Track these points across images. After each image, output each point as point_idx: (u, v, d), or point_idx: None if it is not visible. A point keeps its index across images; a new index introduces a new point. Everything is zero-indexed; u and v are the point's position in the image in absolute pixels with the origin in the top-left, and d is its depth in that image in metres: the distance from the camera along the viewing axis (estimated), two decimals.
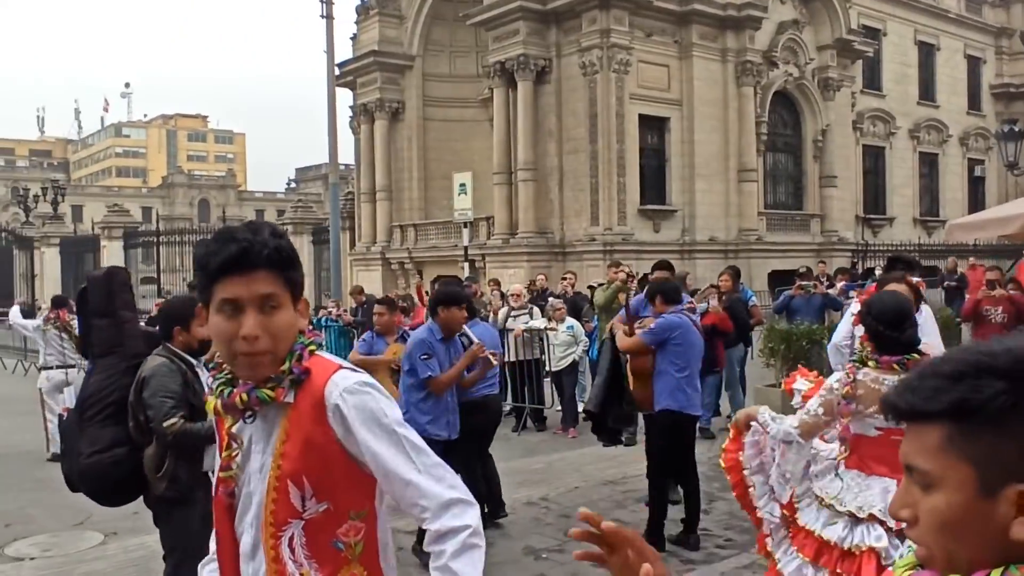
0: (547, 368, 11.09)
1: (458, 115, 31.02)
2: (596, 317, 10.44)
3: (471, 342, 6.16)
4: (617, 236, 24.23)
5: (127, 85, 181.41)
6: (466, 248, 19.84)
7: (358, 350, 7.69)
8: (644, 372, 6.17)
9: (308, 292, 31.04)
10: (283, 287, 1.86)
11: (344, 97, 33.36)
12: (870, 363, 3.38)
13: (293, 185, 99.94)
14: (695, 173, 26.26)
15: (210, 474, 2.62)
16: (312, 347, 1.92)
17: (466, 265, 19.53)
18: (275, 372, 1.86)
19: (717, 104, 26.75)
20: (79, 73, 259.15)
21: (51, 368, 10.44)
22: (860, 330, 5.42)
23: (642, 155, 25.75)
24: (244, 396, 1.86)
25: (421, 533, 5.28)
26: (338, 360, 1.97)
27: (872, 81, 34.41)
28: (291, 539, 1.89)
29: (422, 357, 5.89)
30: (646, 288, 7.49)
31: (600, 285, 10.60)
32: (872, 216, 34.06)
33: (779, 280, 22.54)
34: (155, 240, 36.08)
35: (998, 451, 1.02)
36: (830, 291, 12.39)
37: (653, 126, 26.18)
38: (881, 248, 29.19)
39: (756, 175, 27.46)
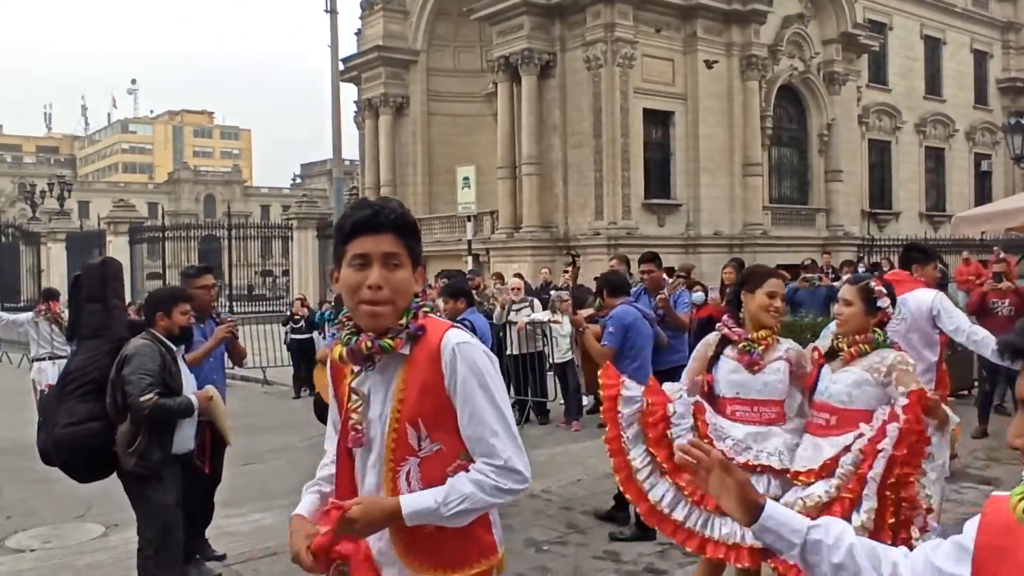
0: (550, 361, 11.08)
1: (462, 110, 30.99)
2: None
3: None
4: (621, 230, 24.18)
5: (134, 81, 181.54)
6: (470, 242, 19.80)
7: (327, 345, 7.62)
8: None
9: (313, 287, 31.19)
10: (404, 251, 2.14)
11: (349, 92, 33.41)
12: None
13: (298, 181, 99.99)
14: (700, 167, 26.19)
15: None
16: (426, 309, 2.21)
17: (470, 259, 19.50)
18: (393, 324, 2.14)
19: (722, 98, 26.66)
20: (86, 70, 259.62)
21: (43, 360, 10.45)
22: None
23: (646, 149, 25.68)
24: (368, 343, 2.13)
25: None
26: (448, 321, 2.27)
27: (878, 75, 34.27)
28: (408, 474, 2.17)
29: None
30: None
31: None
32: (878, 211, 33.94)
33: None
34: (161, 236, 36.09)
35: None
36: (835, 284, 12.31)
37: (658, 120, 26.11)
38: (887, 243, 29.09)
39: (761, 169, 27.37)
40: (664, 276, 8.50)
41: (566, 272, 11.29)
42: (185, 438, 4.93)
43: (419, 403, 2.13)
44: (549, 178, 25.74)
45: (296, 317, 15.61)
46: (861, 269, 12.79)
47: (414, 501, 2.10)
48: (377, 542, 2.20)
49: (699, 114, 26.14)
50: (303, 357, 14.62)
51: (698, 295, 10.02)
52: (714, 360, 4.07)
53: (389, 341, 2.12)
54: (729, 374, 3.99)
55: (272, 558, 5.91)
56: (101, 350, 4.73)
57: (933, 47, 36.63)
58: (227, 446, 5.70)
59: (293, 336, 15.45)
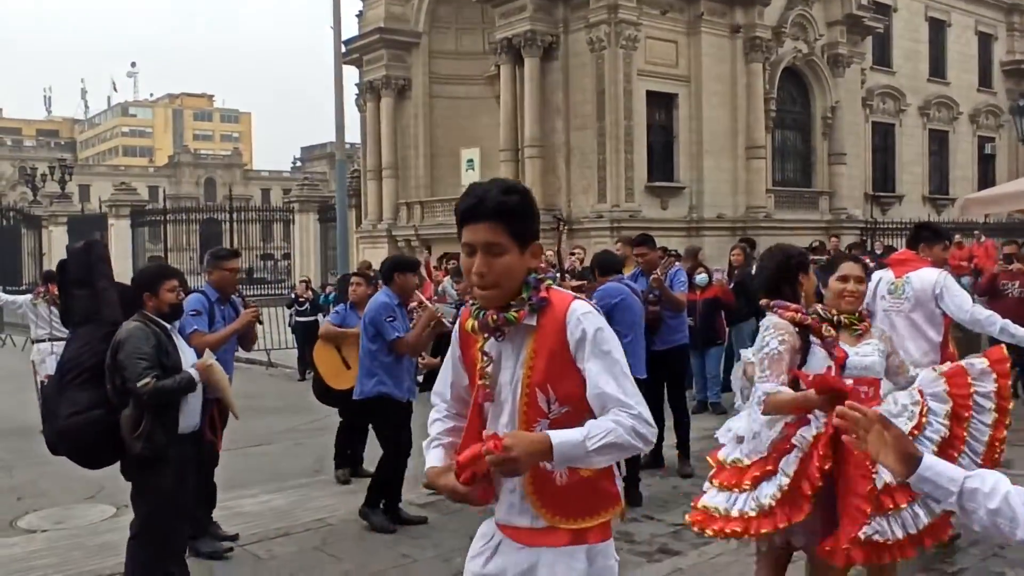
0: None
1: (465, 92, 30.79)
2: None
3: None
4: (624, 213, 24.11)
5: (133, 64, 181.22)
6: None
7: (330, 321, 7.73)
8: None
9: (315, 270, 31.11)
10: (508, 236, 2.28)
11: (350, 75, 33.24)
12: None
13: (299, 164, 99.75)
14: (703, 150, 26.07)
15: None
16: (548, 282, 2.38)
17: None
18: (504, 303, 2.33)
19: (725, 80, 26.51)
20: (85, 53, 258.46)
21: (43, 341, 10.45)
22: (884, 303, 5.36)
23: (649, 132, 25.54)
24: (495, 316, 2.33)
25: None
26: (572, 292, 2.45)
27: (882, 58, 34.07)
28: None
29: (388, 319, 6.13)
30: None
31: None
32: (881, 194, 33.83)
33: None
34: (162, 219, 36.04)
35: None
36: None
37: (661, 103, 25.97)
38: (890, 226, 29.02)
39: (764, 152, 27.23)
40: (659, 257, 8.48)
41: (572, 254, 11.20)
42: (192, 414, 4.88)
43: (547, 369, 2.31)
44: (552, 161, 25.65)
45: (301, 300, 15.62)
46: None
47: (560, 435, 2.22)
48: (510, 495, 2.39)
49: (702, 96, 25.99)
50: (307, 339, 14.60)
51: (702, 277, 9.98)
52: (804, 353, 3.71)
53: (513, 313, 2.32)
54: (825, 361, 3.72)
55: (285, 538, 5.93)
56: (95, 336, 4.64)
57: (938, 29, 36.39)
58: (234, 419, 5.60)
59: (298, 319, 15.45)
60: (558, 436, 2.20)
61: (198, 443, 5.11)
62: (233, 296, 6.12)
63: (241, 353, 6.75)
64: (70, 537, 6.24)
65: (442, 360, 6.42)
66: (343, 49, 25.07)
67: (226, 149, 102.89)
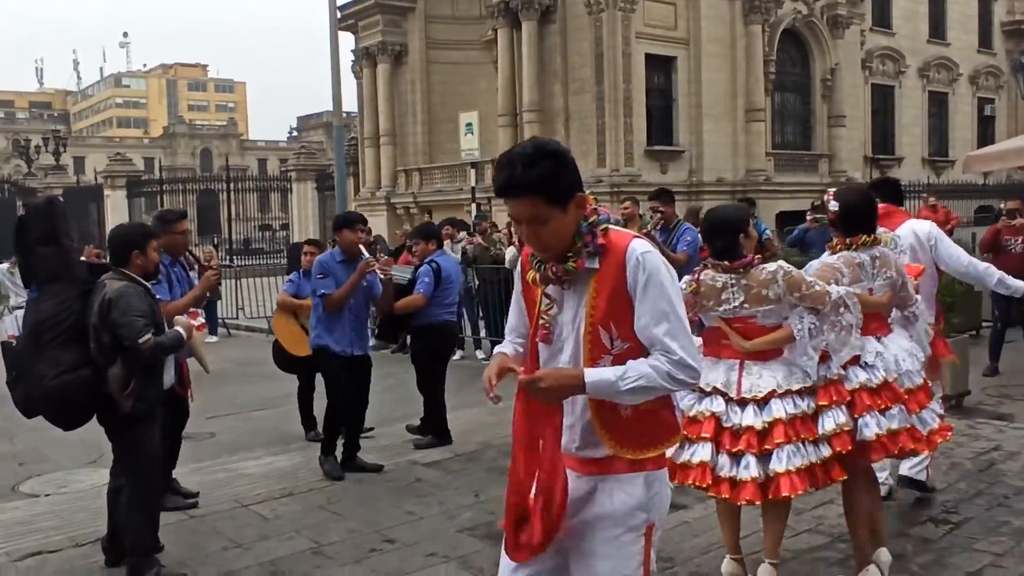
0: None
1: (462, 57, 30.50)
2: None
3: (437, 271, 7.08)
4: (624, 177, 23.99)
5: (125, 35, 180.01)
6: (473, 189, 19.64)
7: (285, 290, 7.98)
8: None
9: (315, 238, 30.97)
10: (546, 205, 2.35)
11: (346, 42, 32.92)
12: (709, 266, 4.03)
13: (295, 134, 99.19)
14: (702, 113, 25.91)
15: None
16: (604, 227, 2.45)
17: (473, 207, 19.35)
18: (564, 254, 2.43)
19: (724, 43, 26.28)
20: (76, 23, 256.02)
21: (22, 308, 10.40)
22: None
23: (648, 95, 25.37)
24: (554, 269, 2.44)
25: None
26: (632, 232, 2.55)
27: (882, 19, 33.74)
28: None
29: (318, 276, 6.48)
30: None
31: (616, 223, 10.46)
32: (880, 156, 33.66)
33: (788, 220, 22.32)
34: (158, 189, 35.85)
35: None
36: None
37: (660, 65, 25.76)
38: None
39: (764, 115, 27.07)
40: (672, 213, 8.46)
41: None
42: (168, 373, 4.95)
43: (609, 307, 2.42)
44: (550, 125, 25.46)
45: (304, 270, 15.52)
46: None
47: (595, 372, 2.38)
48: (570, 429, 2.49)
49: (701, 59, 25.78)
50: None
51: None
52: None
53: (571, 264, 2.42)
54: None
55: (289, 498, 5.92)
56: (69, 294, 4.50)
57: None
58: (236, 384, 5.69)
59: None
60: (592, 375, 2.36)
61: (170, 401, 5.19)
62: (180, 257, 6.03)
63: (241, 320, 6.87)
64: (72, 500, 6.22)
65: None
66: (338, 15, 24.77)
67: (221, 119, 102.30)
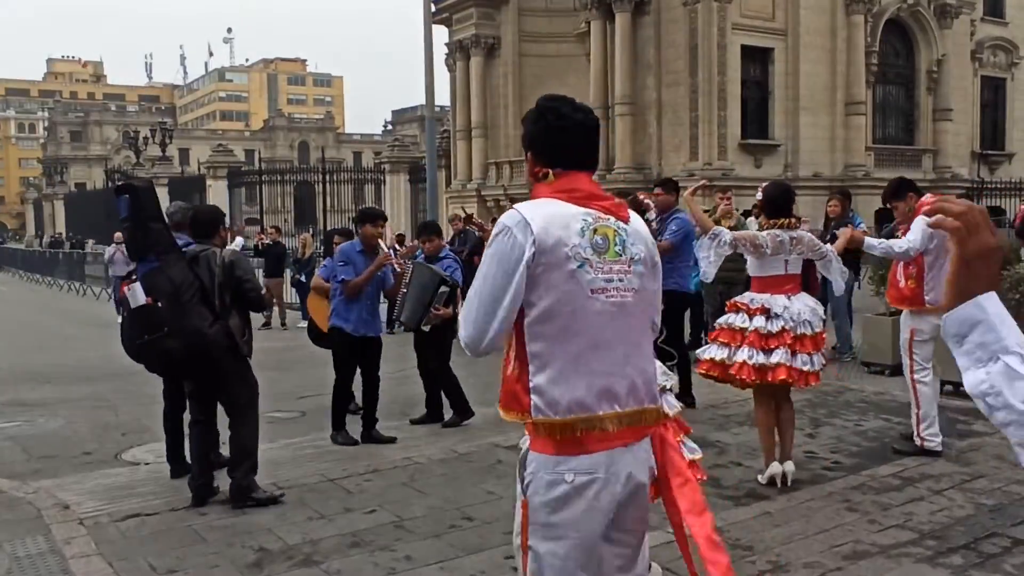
0: None
1: (554, 50, 30.51)
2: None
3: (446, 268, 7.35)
4: (717, 171, 23.62)
5: (229, 30, 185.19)
6: None
7: (319, 274, 8.56)
8: None
9: (407, 230, 31.47)
10: None
11: (440, 35, 33.27)
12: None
13: (389, 127, 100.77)
14: (799, 106, 25.33)
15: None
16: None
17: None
18: None
19: (824, 34, 25.62)
20: (184, 19, 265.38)
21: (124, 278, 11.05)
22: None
23: (744, 88, 24.95)
24: None
25: None
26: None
27: (994, 8, 32.32)
28: None
29: (340, 263, 6.97)
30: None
31: (705, 212, 10.34)
32: (990, 152, 32.29)
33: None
34: (258, 180, 36.89)
35: None
36: None
37: (756, 57, 25.28)
38: (999, 186, 27.72)
39: (865, 108, 26.31)
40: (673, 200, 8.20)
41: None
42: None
43: None
44: (642, 118, 25.26)
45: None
46: None
47: None
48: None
49: (800, 51, 25.20)
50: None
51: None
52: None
53: None
54: None
55: (374, 474, 6.05)
56: (183, 262, 5.24)
57: None
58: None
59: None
60: None
61: None
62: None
63: None
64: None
65: (454, 311, 6.97)
66: (433, 8, 25.06)
67: (319, 113, 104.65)
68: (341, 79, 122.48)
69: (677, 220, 7.80)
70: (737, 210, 9.71)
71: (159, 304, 5.04)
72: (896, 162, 27.88)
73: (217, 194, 36.40)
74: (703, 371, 5.53)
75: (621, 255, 2.45)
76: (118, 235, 17.47)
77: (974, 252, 1.37)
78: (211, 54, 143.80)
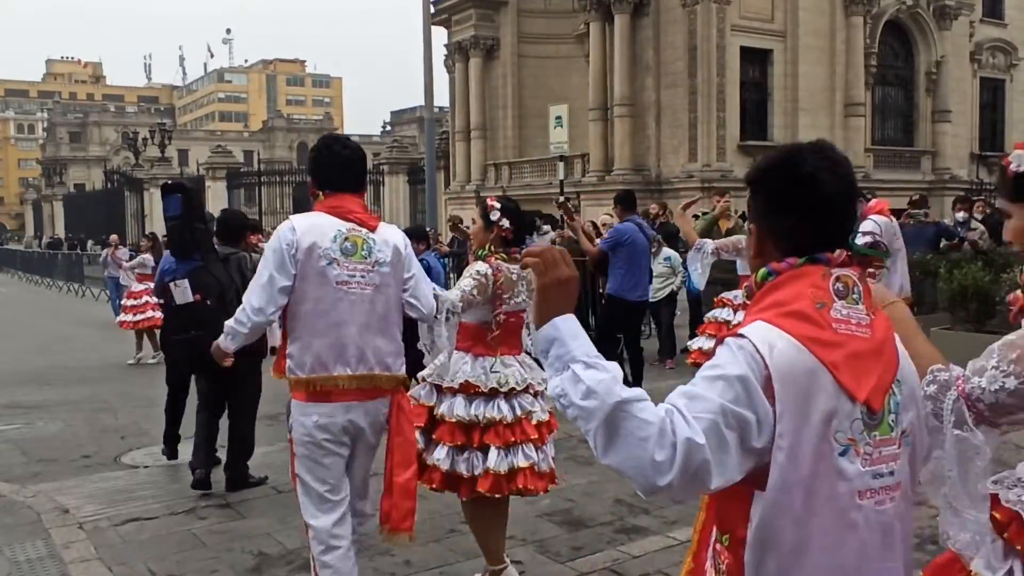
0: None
1: (553, 51, 30.52)
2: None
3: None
4: (716, 173, 23.64)
5: (228, 31, 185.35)
6: (561, 183, 19.64)
7: None
8: None
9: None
10: None
11: (439, 37, 33.26)
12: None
13: (388, 128, 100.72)
14: (798, 108, 25.34)
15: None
16: None
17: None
18: None
19: (823, 35, 25.63)
20: (183, 20, 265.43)
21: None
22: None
23: (743, 89, 24.95)
24: None
25: None
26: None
27: (993, 9, 32.31)
28: None
29: None
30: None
31: (704, 214, 10.35)
32: (989, 153, 32.19)
33: None
34: (257, 181, 36.88)
35: None
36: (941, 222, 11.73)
37: (755, 59, 25.29)
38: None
39: (864, 110, 26.33)
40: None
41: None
42: None
43: None
44: (641, 120, 25.27)
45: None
46: (979, 216, 12.04)
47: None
48: None
49: (799, 52, 25.21)
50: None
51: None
52: None
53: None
54: None
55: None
56: (219, 263, 5.54)
57: None
58: None
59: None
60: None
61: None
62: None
63: None
64: (169, 472, 6.49)
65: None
66: (432, 9, 25.09)
67: (318, 114, 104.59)
68: (340, 80, 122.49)
69: (612, 230, 8.42)
70: (736, 211, 9.70)
71: (208, 302, 5.17)
72: (895, 164, 27.91)
73: (216, 195, 36.38)
74: (692, 360, 5.86)
75: (367, 257, 3.33)
76: (114, 237, 17.49)
77: (551, 283, 1.63)
78: (211, 55, 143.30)
